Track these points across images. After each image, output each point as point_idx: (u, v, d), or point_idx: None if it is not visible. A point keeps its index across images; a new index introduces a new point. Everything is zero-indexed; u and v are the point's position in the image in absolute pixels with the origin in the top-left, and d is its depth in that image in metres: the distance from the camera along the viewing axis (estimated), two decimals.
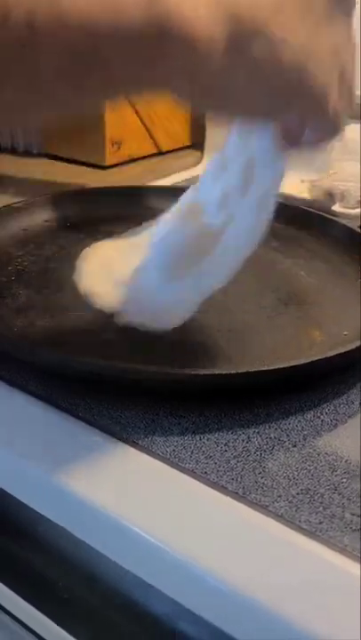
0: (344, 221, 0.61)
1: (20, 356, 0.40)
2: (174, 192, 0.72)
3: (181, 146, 0.95)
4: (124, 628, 0.32)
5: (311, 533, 0.29)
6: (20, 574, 0.37)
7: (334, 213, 0.65)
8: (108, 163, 0.85)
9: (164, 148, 0.92)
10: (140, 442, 0.35)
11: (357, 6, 0.76)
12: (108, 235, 0.51)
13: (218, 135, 0.92)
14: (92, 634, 0.35)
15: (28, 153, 0.92)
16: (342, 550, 0.28)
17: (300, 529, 0.29)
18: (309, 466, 0.34)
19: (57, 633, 0.36)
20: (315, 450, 0.35)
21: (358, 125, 0.69)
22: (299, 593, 0.27)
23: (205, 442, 0.35)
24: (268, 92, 0.31)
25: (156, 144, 0.91)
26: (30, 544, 0.35)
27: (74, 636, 0.36)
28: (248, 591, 0.27)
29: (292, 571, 0.28)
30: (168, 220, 0.43)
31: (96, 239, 0.51)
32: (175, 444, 0.35)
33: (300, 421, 0.37)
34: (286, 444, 0.35)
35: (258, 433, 0.36)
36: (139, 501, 0.31)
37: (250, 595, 0.27)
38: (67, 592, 0.34)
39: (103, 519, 0.31)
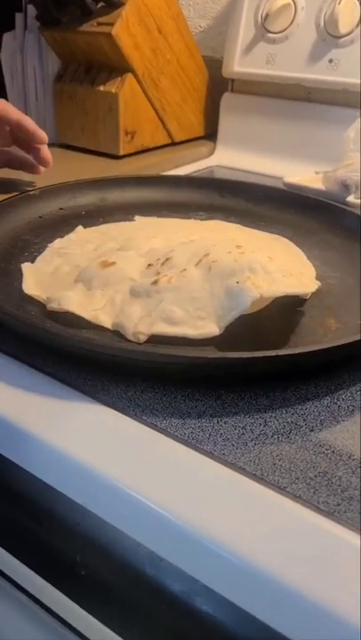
0: (358, 212, 0.61)
1: (42, 341, 0.41)
2: (187, 182, 0.73)
3: (194, 136, 0.95)
4: (140, 604, 0.33)
5: (329, 514, 0.30)
6: (37, 551, 0.38)
7: (348, 204, 0.65)
8: (121, 152, 0.85)
9: (177, 139, 0.93)
10: (158, 424, 0.35)
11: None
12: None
13: (230, 126, 0.92)
14: (109, 610, 0.35)
15: None
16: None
17: (318, 510, 0.30)
18: (327, 450, 0.34)
19: (74, 610, 0.36)
20: (332, 434, 0.35)
21: None
22: (318, 572, 0.27)
23: (223, 425, 0.35)
24: None
25: (169, 134, 0.91)
26: (47, 521, 0.35)
27: (93, 615, 0.36)
28: (267, 568, 0.28)
29: (311, 550, 0.28)
30: None
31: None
32: (193, 426, 0.35)
33: (316, 407, 0.37)
34: (303, 428, 0.35)
35: (275, 417, 0.36)
36: (159, 480, 0.32)
37: (269, 572, 0.27)
38: (84, 569, 0.34)
39: (124, 498, 0.31)
